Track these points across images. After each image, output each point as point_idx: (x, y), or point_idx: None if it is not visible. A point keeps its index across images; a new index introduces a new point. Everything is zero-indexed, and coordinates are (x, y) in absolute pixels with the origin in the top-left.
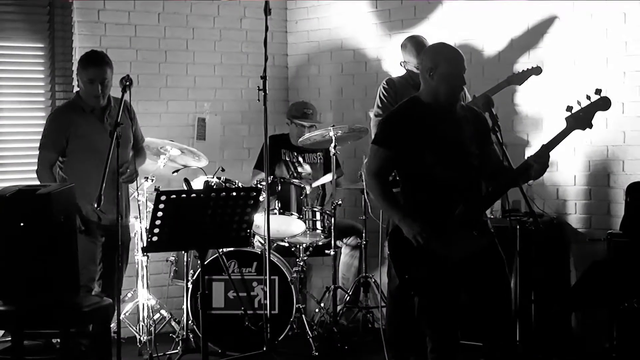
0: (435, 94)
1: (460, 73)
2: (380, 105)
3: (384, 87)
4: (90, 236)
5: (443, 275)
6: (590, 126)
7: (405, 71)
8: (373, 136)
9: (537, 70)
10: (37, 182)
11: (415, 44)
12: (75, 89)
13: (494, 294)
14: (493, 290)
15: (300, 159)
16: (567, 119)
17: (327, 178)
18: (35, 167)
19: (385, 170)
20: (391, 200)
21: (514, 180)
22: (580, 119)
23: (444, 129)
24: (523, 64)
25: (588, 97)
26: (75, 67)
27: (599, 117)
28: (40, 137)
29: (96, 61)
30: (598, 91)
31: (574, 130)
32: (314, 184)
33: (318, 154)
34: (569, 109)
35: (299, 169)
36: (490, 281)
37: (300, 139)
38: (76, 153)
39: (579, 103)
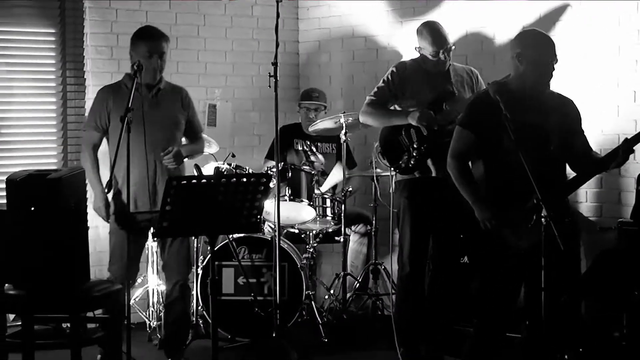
0: (522, 79)
1: (548, 60)
2: (377, 87)
3: (391, 73)
4: (125, 228)
5: (508, 262)
6: None
7: (419, 55)
8: (360, 112)
9: None
10: (48, 167)
11: (430, 31)
12: (87, 74)
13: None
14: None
15: (314, 148)
16: None
17: (334, 179)
18: (51, 147)
19: (465, 153)
20: (467, 182)
21: (592, 171)
22: None
23: (527, 115)
24: None
25: None
26: (86, 53)
27: (610, 105)
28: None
29: (154, 34)
30: None
31: None
32: (323, 188)
33: (331, 144)
34: None
35: (312, 158)
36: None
37: (311, 126)
38: (114, 131)
39: None
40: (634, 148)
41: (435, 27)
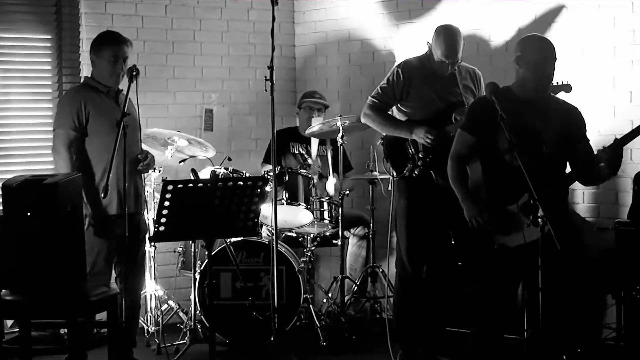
0: (522, 82)
1: (547, 62)
2: (380, 88)
3: (396, 73)
4: (102, 235)
5: (500, 261)
6: None
7: (427, 50)
8: (362, 114)
9: (567, 88)
10: (44, 173)
11: (446, 39)
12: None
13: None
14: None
15: (310, 151)
16: None
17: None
18: (47, 152)
19: (464, 155)
20: (460, 183)
21: (577, 177)
22: None
23: (525, 118)
24: None
25: None
26: (82, 58)
27: (607, 106)
28: (53, 123)
29: (120, 39)
30: None
31: None
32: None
33: (326, 147)
34: None
35: (309, 161)
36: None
37: (308, 130)
38: (95, 133)
39: None
40: (631, 148)
41: (452, 39)
